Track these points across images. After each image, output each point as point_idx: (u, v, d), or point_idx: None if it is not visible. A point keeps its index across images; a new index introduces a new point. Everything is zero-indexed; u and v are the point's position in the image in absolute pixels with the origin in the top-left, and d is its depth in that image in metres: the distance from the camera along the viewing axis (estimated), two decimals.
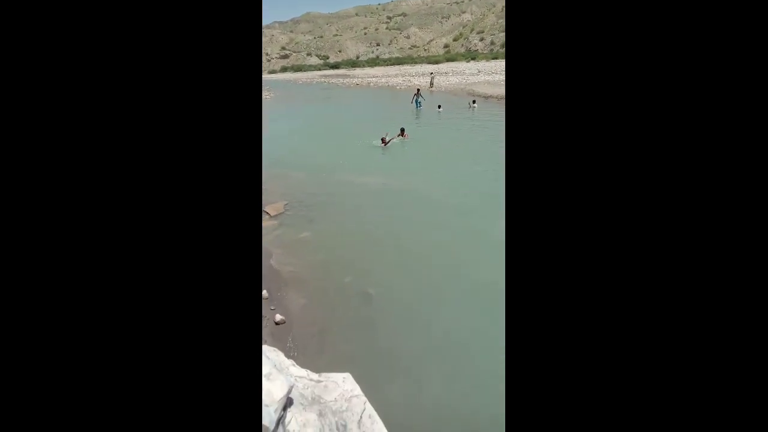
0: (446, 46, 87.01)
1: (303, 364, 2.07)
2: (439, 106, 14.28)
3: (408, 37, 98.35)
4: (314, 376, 1.92)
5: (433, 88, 23.10)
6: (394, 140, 8.77)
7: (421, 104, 15.14)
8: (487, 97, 17.24)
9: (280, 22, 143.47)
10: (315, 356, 2.57)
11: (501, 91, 18.15)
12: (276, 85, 42.06)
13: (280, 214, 5.09)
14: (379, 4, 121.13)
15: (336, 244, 4.21)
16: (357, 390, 1.84)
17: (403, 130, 9.25)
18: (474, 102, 15.03)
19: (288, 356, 2.29)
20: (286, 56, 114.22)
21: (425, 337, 2.71)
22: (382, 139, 8.55)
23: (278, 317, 2.96)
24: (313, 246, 4.20)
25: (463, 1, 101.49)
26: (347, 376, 1.92)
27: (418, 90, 16.72)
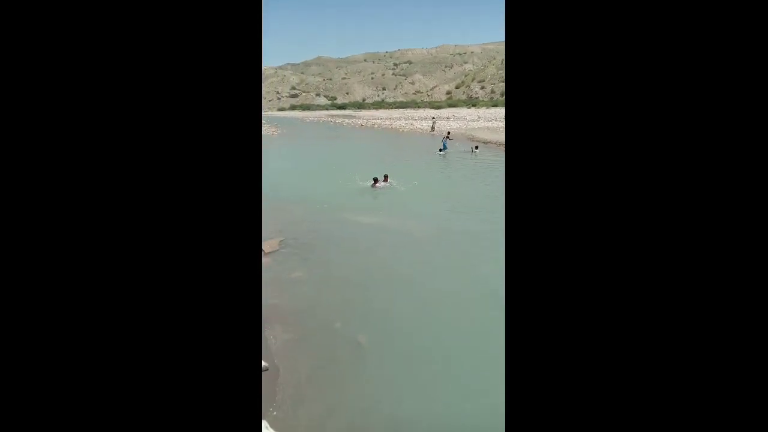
0: (448, 92, 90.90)
1: (279, 421, 1.89)
2: (441, 150, 14.68)
3: (413, 83, 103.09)
4: None
5: (434, 132, 23.79)
6: (384, 184, 8.59)
7: (447, 146, 15.27)
8: (486, 143, 17.67)
9: (293, 64, 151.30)
10: (294, 410, 2.38)
11: (500, 137, 18.62)
12: (284, 122, 43.35)
13: (274, 251, 5.00)
14: (386, 52, 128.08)
15: (328, 286, 4.08)
16: None
17: (386, 176, 8.87)
18: (477, 147, 15.39)
19: (264, 410, 2.11)
20: (295, 95, 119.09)
21: (417, 395, 2.52)
22: (374, 179, 8.59)
23: (263, 364, 2.79)
24: (305, 287, 4.07)
25: (465, 53, 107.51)
26: None
27: (449, 133, 16.93)
